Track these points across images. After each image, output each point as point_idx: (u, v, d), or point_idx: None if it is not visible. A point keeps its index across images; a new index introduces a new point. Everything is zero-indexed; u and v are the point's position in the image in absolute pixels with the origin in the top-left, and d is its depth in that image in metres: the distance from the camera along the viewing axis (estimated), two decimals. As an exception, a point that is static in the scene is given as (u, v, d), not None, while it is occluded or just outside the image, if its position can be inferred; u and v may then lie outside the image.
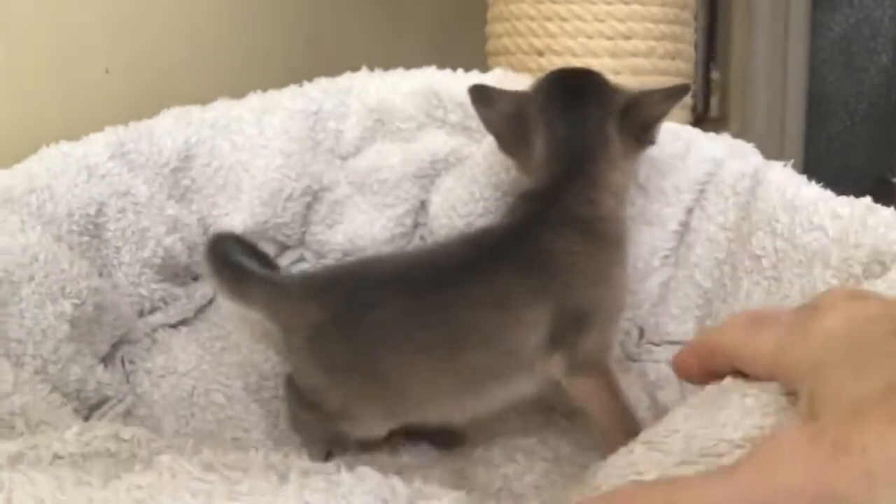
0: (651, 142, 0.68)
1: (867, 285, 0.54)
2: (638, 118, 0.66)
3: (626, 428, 0.59)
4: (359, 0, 1.30)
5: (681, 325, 0.76)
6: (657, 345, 0.77)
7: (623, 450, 0.42)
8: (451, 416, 0.67)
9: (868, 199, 0.65)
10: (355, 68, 0.88)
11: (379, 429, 0.67)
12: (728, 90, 3.10)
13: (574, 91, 0.69)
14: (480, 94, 0.71)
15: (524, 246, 0.65)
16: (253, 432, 0.70)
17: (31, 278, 0.61)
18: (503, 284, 0.63)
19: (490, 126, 0.72)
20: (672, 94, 0.66)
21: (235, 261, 0.71)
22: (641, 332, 0.79)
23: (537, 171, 0.68)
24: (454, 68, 0.85)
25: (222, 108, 0.84)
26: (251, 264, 0.71)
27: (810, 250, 0.64)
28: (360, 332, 0.64)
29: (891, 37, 3.13)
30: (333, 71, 0.89)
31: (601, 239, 0.66)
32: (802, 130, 3.17)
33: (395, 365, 0.64)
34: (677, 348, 0.49)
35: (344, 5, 1.28)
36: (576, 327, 0.63)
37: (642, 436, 0.42)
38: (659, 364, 0.76)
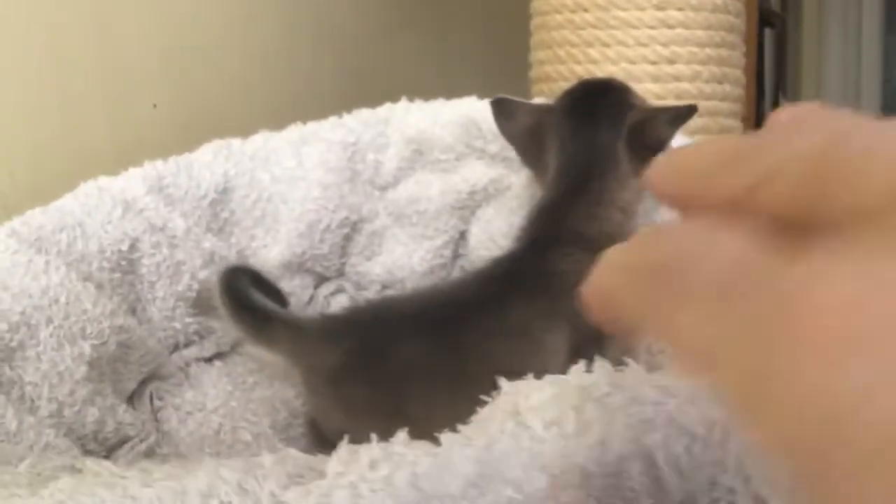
0: None
1: None
2: (645, 139, 0.66)
3: None
4: (405, 32, 1.31)
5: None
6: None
7: None
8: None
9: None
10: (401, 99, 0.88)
11: None
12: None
13: (590, 106, 0.69)
14: (502, 107, 0.72)
15: (532, 270, 0.65)
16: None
17: (50, 321, 0.61)
18: (518, 313, 0.63)
19: (510, 139, 0.73)
20: (677, 117, 0.66)
21: (256, 302, 0.69)
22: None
23: (548, 186, 0.69)
24: (510, 94, 0.84)
25: (261, 141, 0.84)
26: (271, 305, 0.69)
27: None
28: (382, 372, 0.63)
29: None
30: (380, 104, 0.88)
31: None
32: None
33: (419, 405, 0.62)
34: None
35: (389, 38, 1.28)
36: (593, 349, 0.61)
37: None
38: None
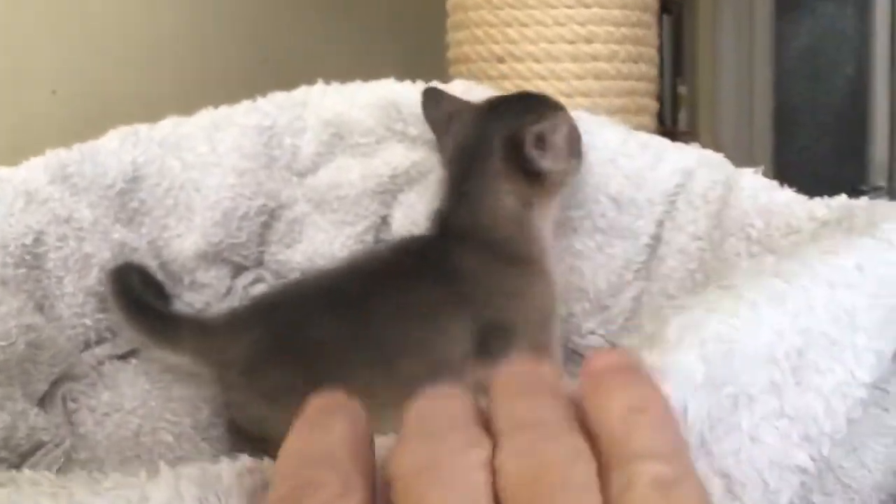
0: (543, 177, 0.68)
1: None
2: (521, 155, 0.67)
3: None
4: (317, 17, 1.28)
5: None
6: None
7: None
8: (392, 428, 0.64)
9: (844, 198, 0.62)
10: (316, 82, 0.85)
11: None
12: (696, 104, 3.11)
13: (493, 112, 0.71)
14: (431, 96, 0.75)
15: (440, 257, 0.68)
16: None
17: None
18: (424, 295, 0.66)
19: (433, 128, 0.75)
20: (539, 140, 0.67)
21: (153, 305, 0.69)
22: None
23: (442, 178, 0.72)
24: (418, 78, 0.82)
25: (171, 126, 0.80)
26: (170, 307, 0.70)
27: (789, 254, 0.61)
28: (296, 352, 0.64)
29: (855, 47, 3.16)
30: (293, 86, 0.85)
31: (509, 257, 0.68)
32: (771, 142, 3.18)
33: (335, 379, 0.61)
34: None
35: (301, 17, 1.25)
36: (501, 342, 0.65)
37: None
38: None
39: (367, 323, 0.65)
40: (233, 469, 0.31)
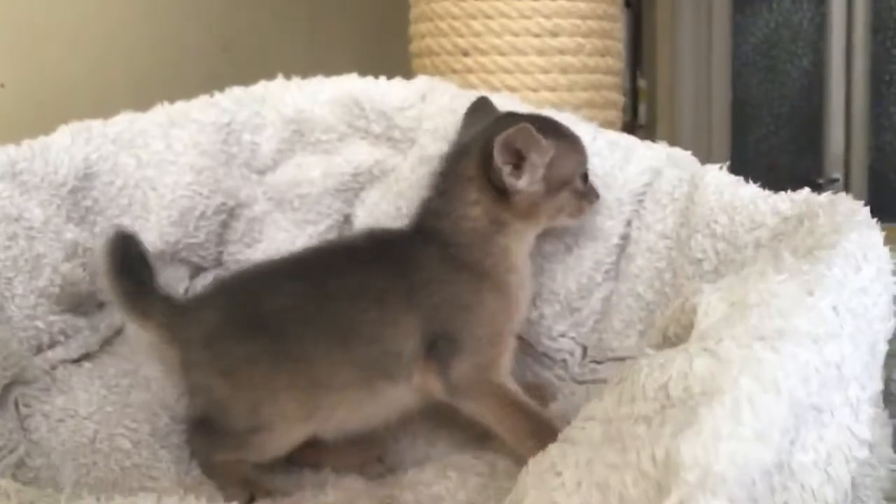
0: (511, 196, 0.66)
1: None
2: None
3: (539, 435, 0.59)
4: (278, 5, 1.25)
5: (624, 340, 0.73)
6: (600, 363, 0.73)
7: (541, 453, 0.44)
8: (351, 418, 0.67)
9: (806, 192, 0.63)
10: (277, 75, 0.83)
11: (292, 433, 0.67)
12: (655, 98, 3.12)
13: (496, 121, 0.70)
14: (479, 106, 0.73)
15: (405, 249, 0.68)
16: (162, 480, 0.64)
17: None
18: (380, 282, 0.67)
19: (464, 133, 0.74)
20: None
21: (137, 272, 0.70)
22: (585, 351, 0.75)
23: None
24: (380, 70, 0.81)
25: (126, 122, 0.78)
26: (150, 280, 0.70)
27: (753, 248, 0.61)
28: (257, 325, 0.65)
29: (810, 40, 3.20)
30: (255, 79, 0.84)
31: (468, 266, 0.67)
32: (729, 134, 3.22)
33: (297, 349, 0.65)
34: (620, 365, 0.47)
35: (262, 11, 1.22)
36: (447, 349, 0.65)
37: (560, 434, 0.45)
38: (604, 385, 0.72)
39: (324, 300, 0.66)
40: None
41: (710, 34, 3.18)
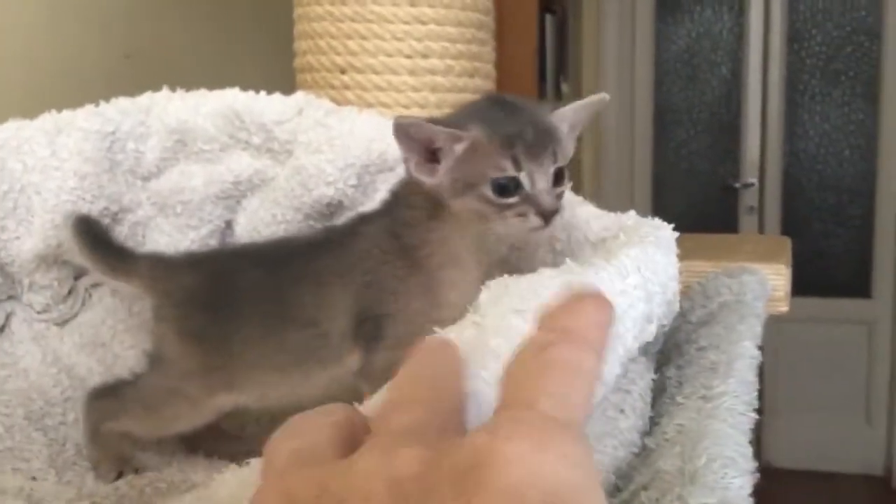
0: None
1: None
2: None
3: None
4: (181, 14, 1.28)
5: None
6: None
7: None
8: (281, 396, 0.71)
9: (631, 214, 0.68)
10: (181, 84, 0.87)
11: (209, 408, 0.71)
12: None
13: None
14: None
15: (352, 231, 0.71)
16: (34, 462, 0.68)
17: None
18: (323, 263, 0.69)
19: None
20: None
21: (114, 241, 0.78)
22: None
23: None
24: (272, 82, 0.85)
25: (13, 129, 0.81)
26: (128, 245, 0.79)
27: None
28: (220, 297, 0.71)
29: (730, 49, 3.32)
30: (156, 86, 0.87)
31: (405, 251, 0.67)
32: (651, 139, 3.32)
33: (241, 331, 0.70)
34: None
35: (165, 19, 1.26)
36: (371, 333, 0.67)
37: None
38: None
39: (277, 285, 0.70)
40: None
41: (633, 42, 3.28)
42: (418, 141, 0.63)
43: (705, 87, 3.41)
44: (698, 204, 3.25)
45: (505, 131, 0.63)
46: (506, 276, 0.51)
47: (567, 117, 0.66)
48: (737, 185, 3.47)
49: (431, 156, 0.64)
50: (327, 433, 0.33)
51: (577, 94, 3.18)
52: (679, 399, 0.47)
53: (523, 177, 0.62)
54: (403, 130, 0.62)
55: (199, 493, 0.40)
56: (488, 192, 0.62)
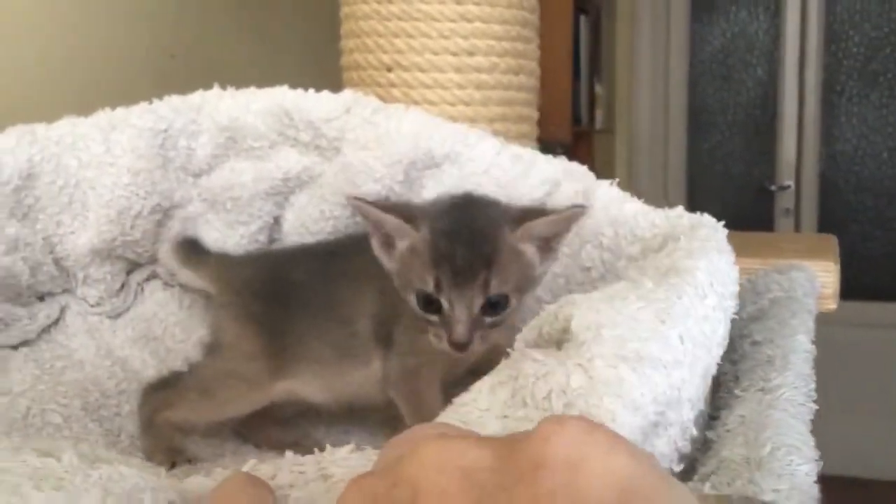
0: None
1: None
2: None
3: None
4: (226, 15, 1.30)
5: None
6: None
7: None
8: (322, 389, 0.74)
9: (679, 210, 0.69)
10: (226, 83, 0.88)
11: (260, 396, 0.73)
12: (613, 103, 3.20)
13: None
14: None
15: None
16: (91, 453, 0.70)
17: None
18: (356, 264, 0.72)
19: None
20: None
21: (196, 244, 0.83)
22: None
23: None
24: (319, 80, 0.86)
25: (68, 126, 0.83)
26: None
27: (627, 260, 0.68)
28: (275, 290, 0.75)
29: (765, 50, 3.29)
30: (202, 85, 0.88)
31: None
32: (685, 141, 3.31)
33: (290, 322, 0.73)
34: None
35: (210, 20, 1.27)
36: (388, 338, 0.70)
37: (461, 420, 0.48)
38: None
39: (321, 282, 0.73)
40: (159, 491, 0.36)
41: (667, 42, 3.27)
42: (372, 222, 0.66)
43: (740, 88, 3.38)
44: (733, 206, 3.22)
45: (439, 248, 0.63)
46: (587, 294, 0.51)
47: (536, 232, 0.67)
48: (773, 187, 3.43)
49: (387, 238, 0.67)
50: None
51: (611, 95, 3.18)
52: (737, 392, 0.48)
53: (444, 300, 0.62)
54: (358, 209, 0.68)
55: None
56: (413, 300, 0.64)
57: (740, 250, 0.78)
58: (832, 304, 0.76)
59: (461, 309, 0.62)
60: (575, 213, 0.68)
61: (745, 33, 3.36)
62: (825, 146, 3.37)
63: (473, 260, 0.62)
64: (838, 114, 3.35)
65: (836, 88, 3.33)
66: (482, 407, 0.48)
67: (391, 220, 0.64)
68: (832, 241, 0.88)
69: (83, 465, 0.37)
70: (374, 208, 0.65)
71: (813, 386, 0.46)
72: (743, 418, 0.43)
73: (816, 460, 0.38)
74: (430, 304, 0.63)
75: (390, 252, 0.67)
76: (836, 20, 3.26)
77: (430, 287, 0.62)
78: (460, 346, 0.62)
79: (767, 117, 3.43)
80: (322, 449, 0.55)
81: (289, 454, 0.44)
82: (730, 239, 0.63)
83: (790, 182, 3.40)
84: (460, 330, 0.61)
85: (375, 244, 0.68)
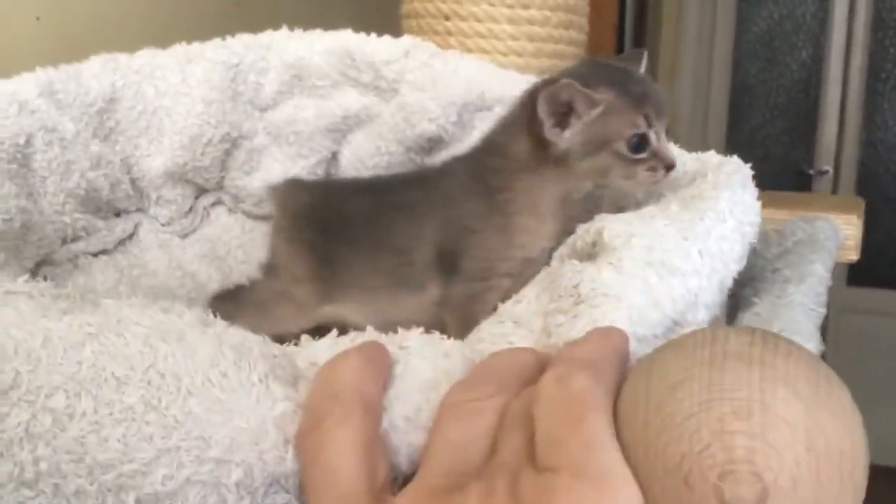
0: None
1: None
2: None
3: None
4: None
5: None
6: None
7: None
8: (371, 313, 0.75)
9: (711, 153, 0.73)
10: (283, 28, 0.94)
11: (311, 315, 0.77)
12: (655, 77, 3.22)
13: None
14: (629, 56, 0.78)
15: (441, 172, 0.77)
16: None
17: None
18: (415, 196, 0.76)
19: None
20: None
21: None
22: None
23: None
24: (376, 28, 0.92)
25: (148, 56, 0.89)
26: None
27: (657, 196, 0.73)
28: (329, 217, 0.78)
29: (812, 33, 3.28)
30: (259, 30, 0.94)
31: (487, 192, 0.73)
32: (725, 121, 3.32)
33: (342, 250, 0.77)
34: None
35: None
36: (450, 266, 0.73)
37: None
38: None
39: (375, 214, 0.77)
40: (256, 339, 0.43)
41: (714, 20, 3.27)
42: (561, 104, 0.67)
43: (784, 71, 3.38)
44: (770, 188, 3.23)
45: (633, 91, 0.68)
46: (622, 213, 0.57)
47: None
48: (811, 171, 3.43)
49: (561, 119, 0.68)
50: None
51: (654, 70, 3.19)
52: (754, 300, 0.53)
53: (651, 133, 0.68)
54: (553, 93, 0.66)
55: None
56: (624, 149, 0.68)
57: (770, 204, 0.83)
58: (854, 255, 0.80)
59: (663, 134, 0.70)
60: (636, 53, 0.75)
61: (793, 16, 3.36)
62: (866, 133, 3.36)
63: (659, 91, 0.71)
64: (881, 101, 3.34)
65: (881, 76, 3.32)
66: (531, 310, 0.54)
67: (585, 95, 0.66)
68: (860, 202, 0.93)
69: (199, 324, 0.43)
70: (576, 86, 0.66)
71: (825, 300, 0.51)
72: (758, 315, 0.48)
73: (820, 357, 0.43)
74: (639, 144, 0.68)
75: (566, 128, 0.68)
76: (884, 6, 3.24)
77: (641, 126, 0.68)
78: (672, 167, 0.69)
79: (810, 101, 3.42)
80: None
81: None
82: (761, 195, 0.68)
83: (829, 167, 3.40)
84: (670, 153, 0.69)
85: (547, 130, 0.68)
